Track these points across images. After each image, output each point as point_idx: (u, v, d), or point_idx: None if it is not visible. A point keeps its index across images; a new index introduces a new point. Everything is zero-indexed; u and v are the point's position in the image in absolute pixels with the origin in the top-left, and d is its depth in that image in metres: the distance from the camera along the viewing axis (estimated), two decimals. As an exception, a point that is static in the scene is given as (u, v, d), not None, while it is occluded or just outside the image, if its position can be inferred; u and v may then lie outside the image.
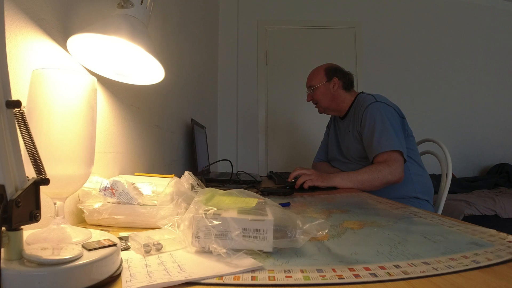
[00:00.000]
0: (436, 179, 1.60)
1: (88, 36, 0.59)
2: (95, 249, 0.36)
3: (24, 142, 0.33)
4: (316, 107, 1.55)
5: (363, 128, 1.33)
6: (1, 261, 0.29)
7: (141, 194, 0.61)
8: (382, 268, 0.39)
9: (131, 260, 0.42)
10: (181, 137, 1.49)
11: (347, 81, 1.48)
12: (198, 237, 0.44)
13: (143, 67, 0.73)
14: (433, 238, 0.52)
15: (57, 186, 0.40)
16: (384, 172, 1.21)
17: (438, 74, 2.99)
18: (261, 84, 2.85)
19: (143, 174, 0.77)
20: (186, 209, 0.48)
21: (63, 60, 0.62)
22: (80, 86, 0.42)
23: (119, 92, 0.86)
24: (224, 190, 0.56)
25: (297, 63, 2.84)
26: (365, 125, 1.32)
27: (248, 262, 0.41)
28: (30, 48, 0.54)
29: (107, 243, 0.38)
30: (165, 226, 0.49)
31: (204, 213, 0.44)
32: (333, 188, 1.20)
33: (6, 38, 0.43)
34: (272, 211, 0.48)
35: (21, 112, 0.32)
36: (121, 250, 0.44)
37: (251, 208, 0.48)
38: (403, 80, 2.95)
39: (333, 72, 1.48)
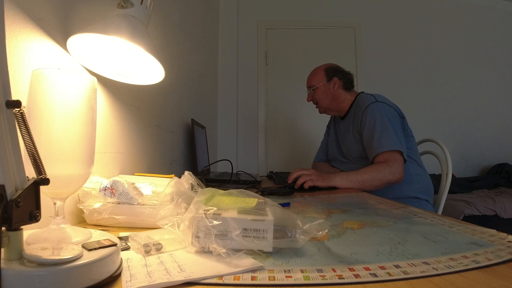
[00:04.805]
0: (436, 179, 1.60)
1: (88, 36, 0.59)
2: (95, 249, 0.36)
3: (24, 142, 0.33)
4: (316, 107, 1.54)
5: (363, 128, 1.33)
6: (1, 261, 0.29)
7: (141, 194, 0.61)
8: (382, 268, 0.39)
9: (131, 260, 0.42)
10: (181, 137, 1.49)
11: (347, 81, 1.48)
12: (198, 237, 0.44)
13: (143, 67, 0.73)
14: (433, 238, 0.52)
15: (57, 186, 0.40)
16: (384, 172, 1.21)
17: (438, 74, 2.99)
18: (261, 84, 2.85)
19: (143, 174, 0.77)
20: (186, 209, 0.48)
21: (63, 60, 0.62)
22: (80, 86, 0.42)
23: (119, 92, 0.86)
24: (224, 190, 0.56)
25: (297, 63, 2.84)
26: (365, 125, 1.32)
27: (248, 262, 0.41)
28: (30, 48, 0.54)
29: (107, 243, 0.38)
30: (165, 226, 0.49)
31: (204, 213, 0.44)
32: (333, 188, 1.19)
33: (6, 38, 0.43)
34: (272, 211, 0.48)
35: (21, 112, 0.32)
36: (121, 250, 0.44)
37: (251, 208, 0.47)
38: (403, 80, 2.95)
39: (333, 72, 1.48)
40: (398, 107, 1.39)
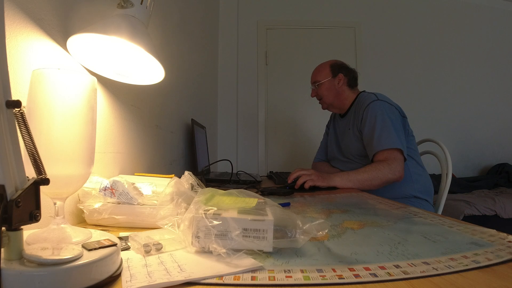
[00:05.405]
0: (436, 179, 1.60)
1: (88, 36, 0.59)
2: (95, 249, 0.36)
3: (24, 142, 0.33)
4: (320, 103, 1.54)
5: (364, 126, 1.33)
6: (1, 261, 0.29)
7: (141, 194, 0.61)
8: (382, 268, 0.39)
9: (131, 260, 0.42)
10: (181, 137, 1.49)
11: (351, 78, 1.48)
12: (198, 237, 0.44)
13: (143, 67, 0.73)
14: (433, 238, 0.52)
15: (57, 186, 0.40)
16: (384, 171, 1.21)
17: (438, 74, 2.99)
18: (261, 84, 2.85)
19: (143, 174, 0.77)
20: (186, 209, 0.48)
21: (63, 60, 0.62)
22: (80, 86, 0.42)
23: (119, 92, 0.86)
24: (224, 190, 0.56)
25: (297, 63, 2.84)
26: (365, 123, 1.32)
27: (248, 262, 0.41)
28: (30, 48, 0.54)
29: (107, 243, 0.38)
30: (165, 226, 0.49)
31: (204, 213, 0.44)
32: (333, 188, 1.19)
33: (6, 38, 0.43)
34: (272, 211, 0.48)
35: (21, 112, 0.32)
36: (121, 250, 0.44)
37: (251, 208, 0.47)
38: (403, 80, 2.94)
39: (339, 68, 1.48)
40: (399, 106, 1.39)
